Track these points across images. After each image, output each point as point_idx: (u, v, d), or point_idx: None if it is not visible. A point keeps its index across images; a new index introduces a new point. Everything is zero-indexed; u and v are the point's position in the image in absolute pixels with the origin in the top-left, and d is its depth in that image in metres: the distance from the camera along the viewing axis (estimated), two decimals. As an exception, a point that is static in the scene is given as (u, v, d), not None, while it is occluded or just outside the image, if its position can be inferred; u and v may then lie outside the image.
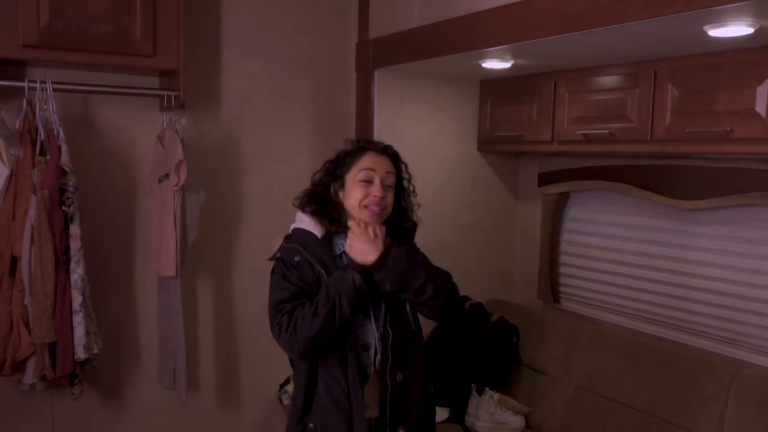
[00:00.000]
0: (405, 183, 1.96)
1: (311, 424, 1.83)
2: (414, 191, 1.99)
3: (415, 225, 1.99)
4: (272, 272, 1.87)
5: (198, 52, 2.88)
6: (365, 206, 1.84)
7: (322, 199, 1.89)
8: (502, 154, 3.37)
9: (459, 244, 3.30)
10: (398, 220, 1.94)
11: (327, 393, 1.81)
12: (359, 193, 1.84)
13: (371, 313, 1.85)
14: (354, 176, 1.86)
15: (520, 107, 3.00)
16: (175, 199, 2.60)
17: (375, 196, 1.83)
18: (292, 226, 1.93)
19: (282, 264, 1.84)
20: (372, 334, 1.85)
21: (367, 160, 1.86)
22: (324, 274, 1.81)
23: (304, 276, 1.81)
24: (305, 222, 1.88)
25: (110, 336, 2.79)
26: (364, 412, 1.80)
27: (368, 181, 1.84)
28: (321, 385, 1.82)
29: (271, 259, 1.89)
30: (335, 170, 1.91)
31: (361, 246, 1.79)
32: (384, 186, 1.85)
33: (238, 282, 3.11)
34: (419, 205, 2.01)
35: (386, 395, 1.83)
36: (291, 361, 1.92)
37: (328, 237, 1.88)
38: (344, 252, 1.85)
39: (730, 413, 2.29)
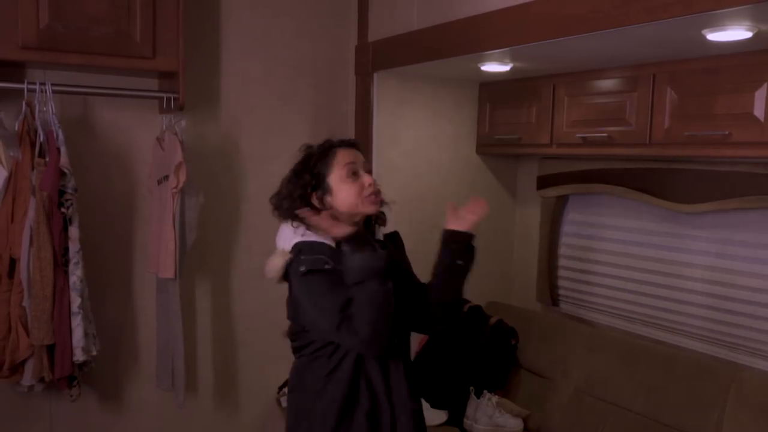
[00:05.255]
0: None
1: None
2: None
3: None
4: (308, 291, 1.78)
5: (197, 55, 2.88)
6: (366, 197, 1.84)
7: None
8: (501, 156, 3.37)
9: (458, 247, 3.29)
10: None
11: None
12: (353, 189, 1.83)
13: None
14: (339, 176, 1.83)
15: (519, 110, 3.00)
16: (174, 201, 2.60)
17: (370, 184, 1.85)
18: (297, 240, 1.80)
19: (322, 273, 1.74)
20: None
21: (343, 157, 1.86)
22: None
23: (341, 280, 1.75)
24: (313, 234, 1.80)
25: (109, 338, 2.79)
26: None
27: (355, 174, 1.85)
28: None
29: (304, 274, 1.76)
30: (311, 179, 1.85)
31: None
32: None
33: (237, 284, 3.11)
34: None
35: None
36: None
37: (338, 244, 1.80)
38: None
39: (728, 417, 2.29)
